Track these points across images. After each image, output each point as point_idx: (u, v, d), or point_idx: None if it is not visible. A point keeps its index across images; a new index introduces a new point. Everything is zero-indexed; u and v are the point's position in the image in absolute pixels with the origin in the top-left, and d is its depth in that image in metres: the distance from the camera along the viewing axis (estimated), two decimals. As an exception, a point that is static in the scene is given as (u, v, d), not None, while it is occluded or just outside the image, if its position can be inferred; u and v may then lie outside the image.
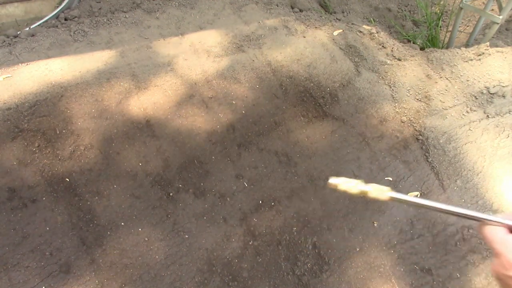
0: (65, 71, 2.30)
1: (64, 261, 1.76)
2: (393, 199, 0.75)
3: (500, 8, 2.87)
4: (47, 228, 1.82)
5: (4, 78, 2.20)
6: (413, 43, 3.24)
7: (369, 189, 0.75)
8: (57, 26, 2.62)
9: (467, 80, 2.59)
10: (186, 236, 1.92)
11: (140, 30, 2.66)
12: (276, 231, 2.00)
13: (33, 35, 2.51)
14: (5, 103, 2.09)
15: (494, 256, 0.70)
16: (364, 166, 2.28)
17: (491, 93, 2.52)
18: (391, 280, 1.94)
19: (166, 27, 2.73)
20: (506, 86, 2.52)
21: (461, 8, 2.98)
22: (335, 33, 2.93)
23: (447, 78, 2.62)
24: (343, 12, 3.42)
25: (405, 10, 3.69)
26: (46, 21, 2.68)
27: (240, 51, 2.64)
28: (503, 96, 2.52)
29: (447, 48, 3.14)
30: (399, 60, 2.81)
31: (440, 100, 2.54)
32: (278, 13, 3.02)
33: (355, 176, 2.23)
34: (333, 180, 0.77)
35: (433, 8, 3.67)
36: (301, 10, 3.22)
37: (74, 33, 2.54)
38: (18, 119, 2.06)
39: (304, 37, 2.83)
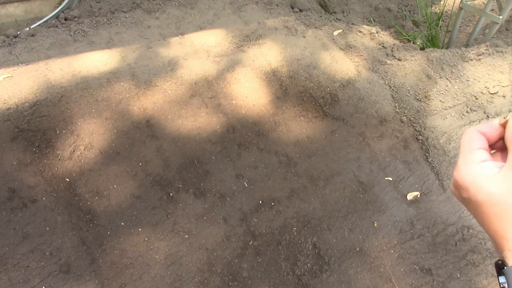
0: (65, 71, 2.30)
1: (64, 261, 1.76)
2: None
3: (500, 8, 2.87)
4: (47, 228, 1.82)
5: (4, 78, 2.19)
6: (413, 43, 3.24)
7: None
8: (57, 26, 2.61)
9: (467, 80, 2.59)
10: (186, 236, 1.92)
11: (140, 30, 2.66)
12: (276, 231, 2.00)
13: (33, 35, 2.51)
14: (5, 103, 2.09)
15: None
16: (364, 166, 2.28)
17: (491, 93, 2.52)
18: (391, 280, 1.94)
19: (166, 27, 2.73)
20: (506, 86, 2.52)
21: (461, 8, 2.98)
22: (335, 33, 2.93)
23: (447, 78, 2.62)
24: (343, 12, 3.42)
25: (405, 10, 3.69)
26: (46, 21, 2.68)
27: (240, 51, 2.64)
28: (503, 96, 2.52)
29: (447, 48, 3.14)
30: (399, 60, 2.80)
31: (440, 100, 2.54)
32: (278, 13, 3.02)
33: (355, 176, 2.24)
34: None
35: (433, 8, 3.67)
36: (301, 10, 3.22)
37: (74, 33, 2.54)
38: (18, 119, 2.06)
39: (304, 37, 2.83)
